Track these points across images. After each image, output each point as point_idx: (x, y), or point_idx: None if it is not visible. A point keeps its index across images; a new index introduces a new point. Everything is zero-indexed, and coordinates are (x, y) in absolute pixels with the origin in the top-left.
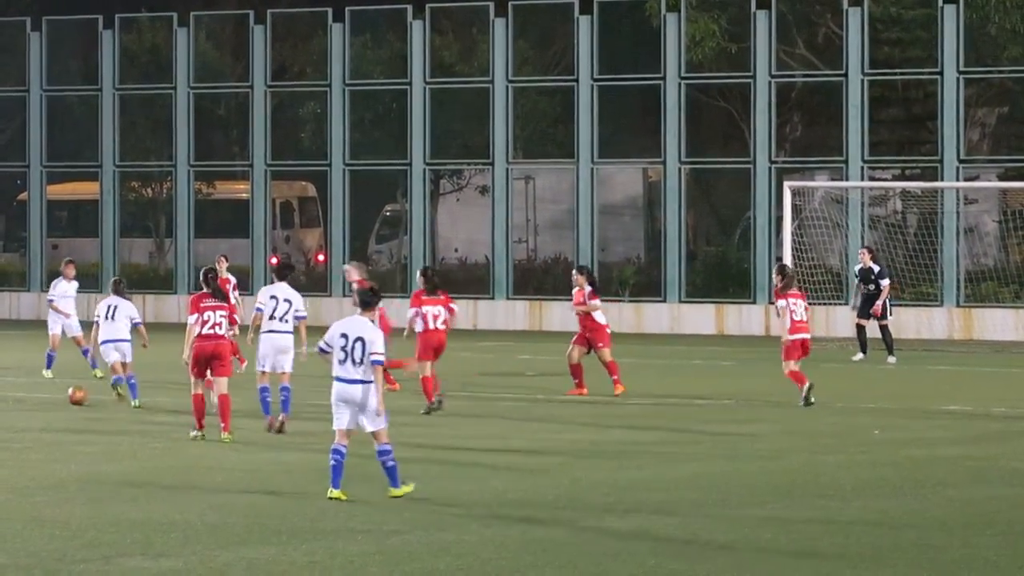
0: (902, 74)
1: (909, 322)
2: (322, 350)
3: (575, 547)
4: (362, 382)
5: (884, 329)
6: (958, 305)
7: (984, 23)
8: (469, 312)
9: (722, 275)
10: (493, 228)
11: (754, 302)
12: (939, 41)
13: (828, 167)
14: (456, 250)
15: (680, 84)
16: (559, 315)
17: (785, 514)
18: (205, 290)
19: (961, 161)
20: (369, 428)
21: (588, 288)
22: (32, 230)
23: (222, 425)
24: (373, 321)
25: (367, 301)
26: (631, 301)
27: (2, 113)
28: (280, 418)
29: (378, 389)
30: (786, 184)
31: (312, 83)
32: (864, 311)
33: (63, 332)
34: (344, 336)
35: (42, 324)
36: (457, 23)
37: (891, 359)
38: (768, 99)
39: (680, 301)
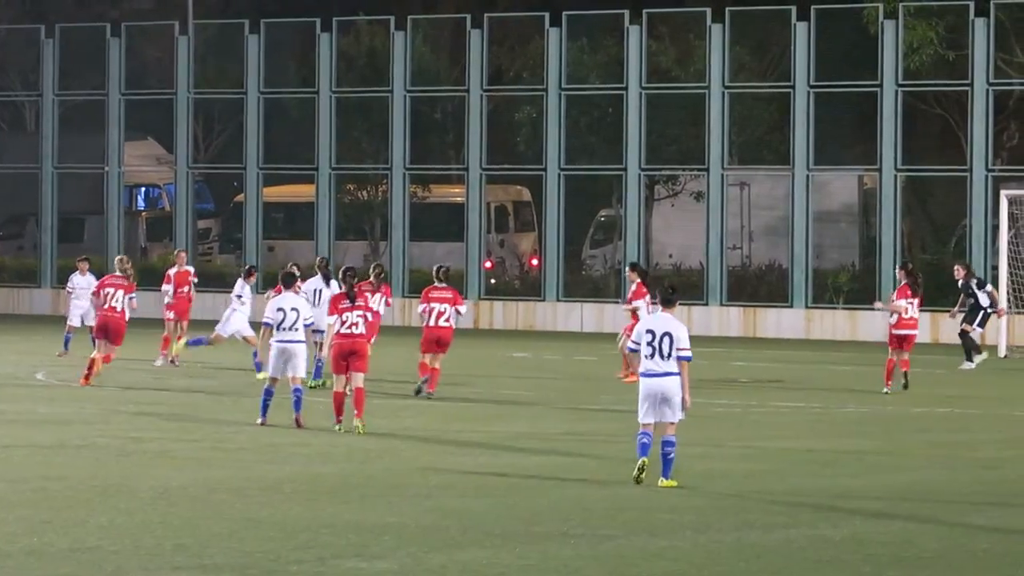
0: None
1: None
2: (632, 349)
3: (788, 554)
4: (670, 375)
5: (964, 335)
6: None
7: None
8: (683, 318)
9: (938, 283)
10: (708, 234)
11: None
12: None
13: None
14: (670, 256)
15: (897, 91)
16: (774, 321)
17: (1002, 524)
18: (342, 290)
19: None
20: (668, 419)
21: (634, 286)
22: (248, 232)
23: (355, 412)
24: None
25: (669, 299)
26: (845, 308)
27: (220, 115)
28: (295, 417)
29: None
30: (1003, 193)
31: (528, 87)
32: (969, 319)
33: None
34: (651, 332)
35: (257, 326)
36: (673, 28)
37: (967, 364)
38: (985, 107)
39: None
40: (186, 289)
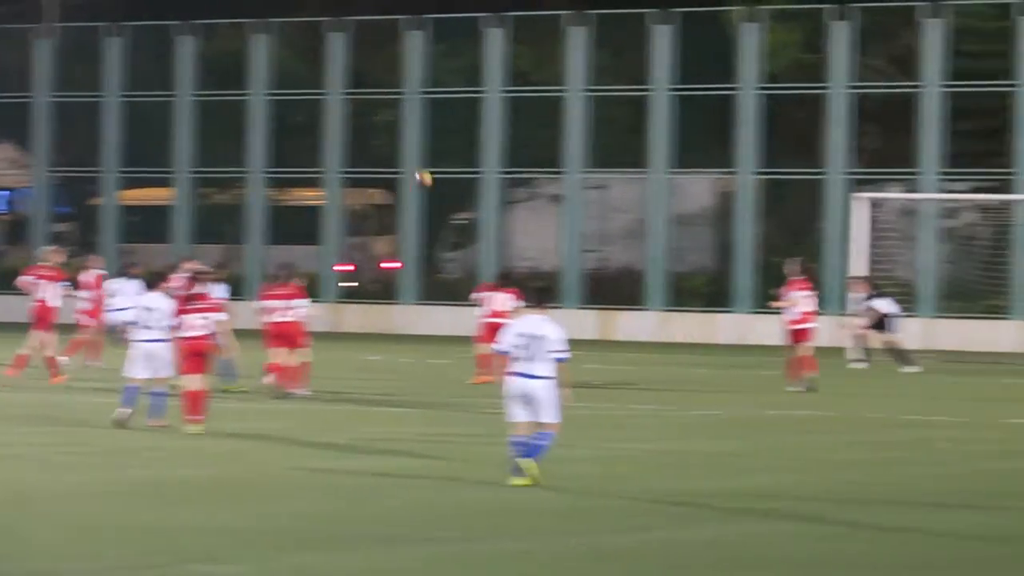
0: (979, 86)
1: (980, 335)
2: (500, 351)
3: (641, 557)
4: (539, 377)
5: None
6: None
7: None
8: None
9: None
10: (564, 237)
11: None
12: (1016, 53)
13: (902, 179)
14: (527, 259)
15: (756, 94)
16: (630, 324)
17: (852, 525)
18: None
19: None
20: (545, 420)
21: None
22: (105, 235)
23: (194, 414)
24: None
25: (539, 300)
26: (700, 311)
27: (79, 119)
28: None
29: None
30: (858, 195)
31: (388, 91)
32: (879, 327)
33: None
34: (522, 334)
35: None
36: (534, 32)
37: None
38: (844, 110)
39: (749, 311)
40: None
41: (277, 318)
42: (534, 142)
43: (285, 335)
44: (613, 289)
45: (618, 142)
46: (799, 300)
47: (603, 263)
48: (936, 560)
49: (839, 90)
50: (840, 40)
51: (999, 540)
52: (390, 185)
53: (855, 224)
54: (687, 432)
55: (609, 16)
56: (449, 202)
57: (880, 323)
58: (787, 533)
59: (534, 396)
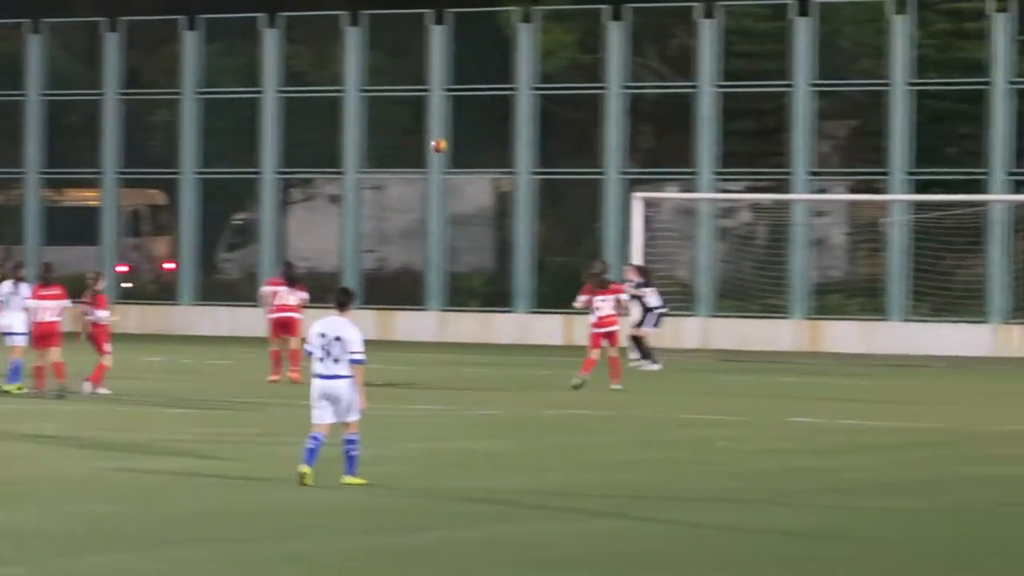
0: (754, 86)
1: (756, 334)
2: (308, 352)
3: (422, 557)
4: (340, 377)
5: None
6: (805, 317)
7: (835, 36)
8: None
9: (571, 285)
10: (343, 237)
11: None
12: (791, 54)
13: (678, 178)
14: (306, 259)
15: (532, 94)
16: (409, 324)
17: (632, 525)
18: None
19: (811, 173)
20: (347, 419)
21: None
22: None
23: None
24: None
25: (343, 302)
26: (480, 311)
27: None
28: None
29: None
30: (636, 195)
31: (164, 91)
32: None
33: None
34: (323, 335)
35: None
36: (310, 32)
37: (651, 365)
38: (620, 110)
39: (528, 311)
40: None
41: (47, 318)
42: (312, 142)
43: (48, 335)
44: (392, 289)
45: (396, 142)
46: (600, 304)
47: (382, 263)
48: (727, 556)
49: (615, 90)
50: (615, 40)
51: (784, 535)
52: (167, 185)
53: (633, 224)
54: (468, 432)
55: (384, 16)
56: (227, 202)
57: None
58: (565, 532)
59: (337, 396)
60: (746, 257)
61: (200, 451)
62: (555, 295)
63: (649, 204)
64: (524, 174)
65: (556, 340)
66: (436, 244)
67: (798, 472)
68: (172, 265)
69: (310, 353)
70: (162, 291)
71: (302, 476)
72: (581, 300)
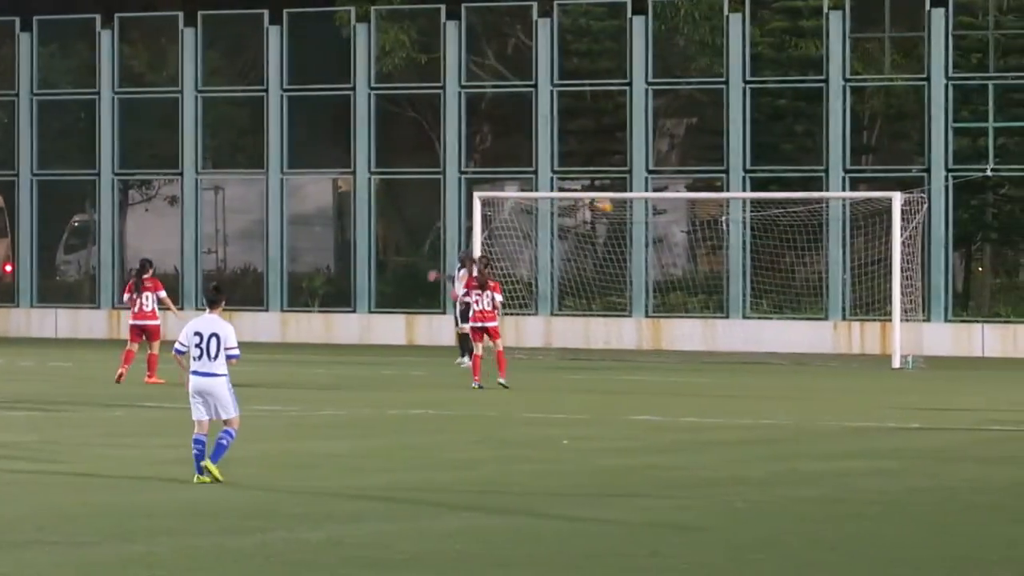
0: (591, 85)
1: (599, 332)
2: (178, 351)
3: (265, 557)
4: (217, 375)
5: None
6: (647, 315)
7: (673, 35)
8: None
9: (412, 285)
10: (183, 238)
11: (444, 312)
12: (628, 52)
13: (518, 177)
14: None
15: (370, 94)
16: (249, 325)
17: (477, 524)
18: None
19: (650, 172)
20: (224, 416)
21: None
22: None
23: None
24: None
25: (214, 300)
26: (321, 311)
27: None
28: None
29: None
30: (476, 194)
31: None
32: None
33: None
34: (199, 333)
35: None
36: (146, 32)
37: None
38: (458, 109)
39: (370, 311)
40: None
41: None
42: (150, 143)
43: None
44: (232, 290)
45: (234, 143)
46: (478, 297)
47: (222, 264)
48: (567, 553)
49: (453, 90)
50: (452, 40)
51: (624, 532)
52: (4, 187)
53: (474, 223)
54: (312, 432)
55: (220, 16)
56: (66, 204)
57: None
58: (412, 533)
59: (213, 392)
60: (587, 256)
61: (42, 454)
62: (397, 295)
63: (489, 203)
64: (363, 174)
65: (399, 340)
66: (276, 245)
67: (640, 470)
68: (7, 267)
69: (182, 352)
70: (1, 293)
71: (205, 473)
72: (459, 293)
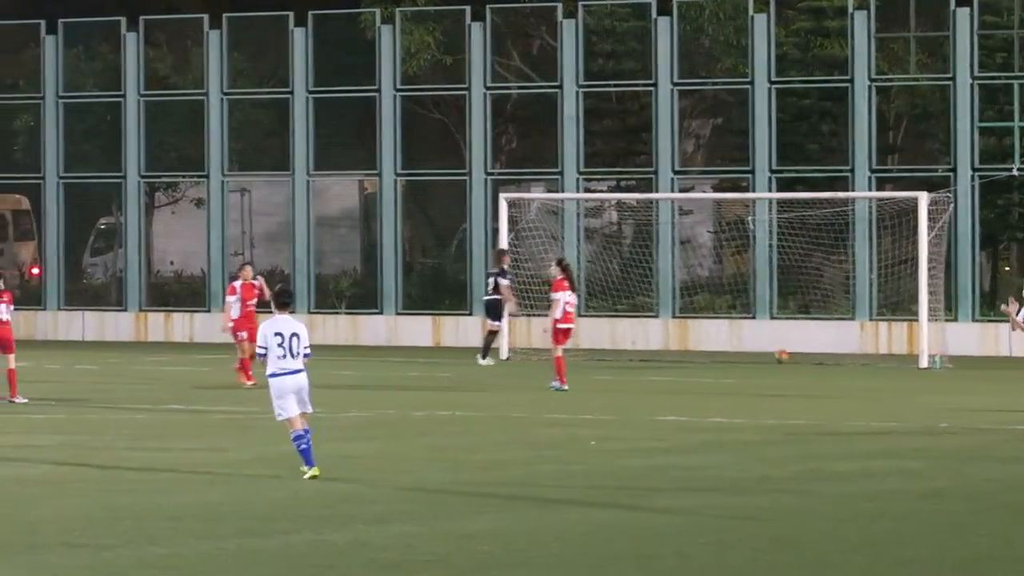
0: (617, 86)
1: (625, 332)
2: (260, 354)
3: (290, 559)
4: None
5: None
6: (674, 316)
7: (698, 35)
8: (186, 325)
9: (439, 287)
10: (209, 241)
11: (471, 313)
12: (653, 53)
13: (544, 179)
14: (172, 263)
15: (395, 96)
16: None
17: (502, 525)
18: None
19: (676, 172)
20: (305, 410)
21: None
22: None
23: None
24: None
25: (286, 302)
26: (348, 313)
27: None
28: None
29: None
30: (501, 196)
31: (25, 96)
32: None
33: None
34: (280, 334)
35: None
36: (171, 35)
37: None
38: (483, 111)
39: (397, 313)
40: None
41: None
42: (176, 146)
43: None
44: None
45: (260, 145)
46: (565, 301)
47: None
48: (589, 555)
49: (478, 91)
50: (477, 41)
51: (647, 534)
52: (31, 190)
53: (500, 224)
54: (339, 434)
55: (245, 19)
56: (92, 207)
57: (496, 308)
58: (437, 534)
59: (302, 387)
60: (613, 256)
61: (66, 456)
62: (423, 297)
63: (515, 205)
64: (389, 176)
65: (425, 342)
66: (303, 246)
67: (665, 470)
68: (36, 270)
69: (263, 354)
70: (28, 296)
71: (313, 477)
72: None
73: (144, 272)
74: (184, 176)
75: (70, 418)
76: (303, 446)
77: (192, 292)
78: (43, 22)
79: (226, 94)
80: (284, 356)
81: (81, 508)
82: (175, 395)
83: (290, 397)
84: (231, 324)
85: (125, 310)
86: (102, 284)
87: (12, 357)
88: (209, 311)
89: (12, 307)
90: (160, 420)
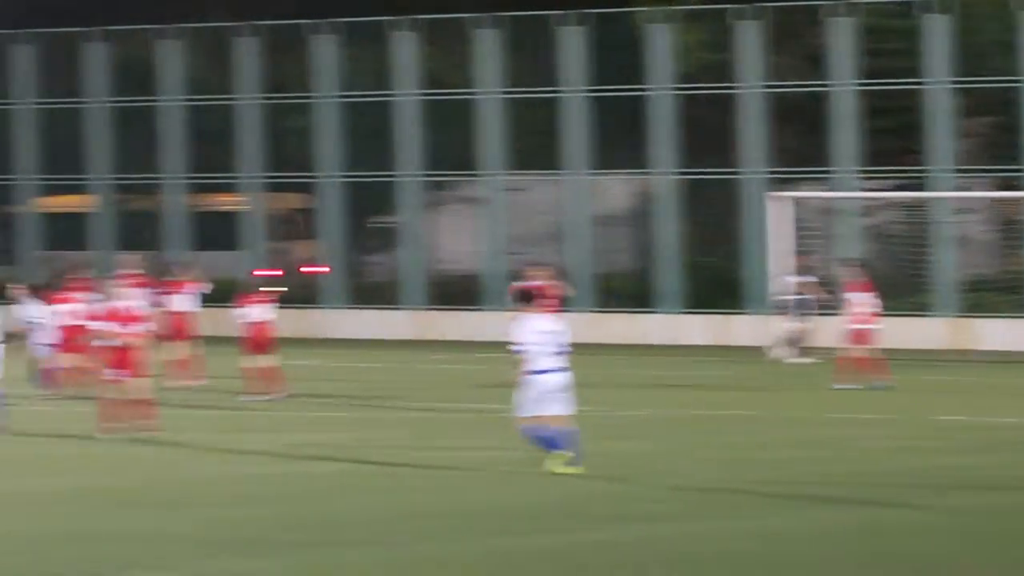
0: (890, 84)
1: (905, 332)
2: (519, 351)
3: (572, 558)
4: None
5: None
6: (954, 315)
7: (971, 33)
8: (463, 323)
9: (715, 285)
10: (485, 240)
11: (748, 312)
12: (926, 51)
13: (818, 177)
14: (447, 261)
15: (669, 95)
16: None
17: (782, 524)
18: None
19: (950, 171)
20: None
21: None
22: (23, 243)
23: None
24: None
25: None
26: (625, 311)
27: None
28: None
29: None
30: (773, 194)
31: (300, 95)
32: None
33: None
34: (546, 333)
35: None
36: (446, 34)
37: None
38: (757, 110)
39: (675, 311)
40: None
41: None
42: (450, 145)
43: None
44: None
45: (534, 144)
46: (859, 301)
47: (524, 266)
48: (863, 554)
49: (751, 89)
50: (750, 39)
51: (923, 535)
52: (308, 189)
53: (772, 223)
54: (616, 432)
55: (519, 18)
56: (367, 205)
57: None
58: (717, 530)
59: (569, 386)
60: (890, 255)
61: (357, 454)
62: (700, 295)
63: (789, 203)
64: (663, 175)
65: (704, 340)
66: (579, 245)
67: (948, 470)
68: (317, 269)
69: (523, 352)
70: (307, 295)
71: (565, 461)
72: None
73: (422, 270)
74: (461, 175)
75: (355, 416)
76: (548, 434)
77: (468, 290)
78: (318, 22)
79: (500, 93)
80: (552, 355)
81: (367, 505)
82: (456, 393)
83: (553, 395)
84: None
85: (403, 308)
86: (381, 283)
87: (269, 357)
88: (484, 310)
89: (272, 307)
90: (445, 418)
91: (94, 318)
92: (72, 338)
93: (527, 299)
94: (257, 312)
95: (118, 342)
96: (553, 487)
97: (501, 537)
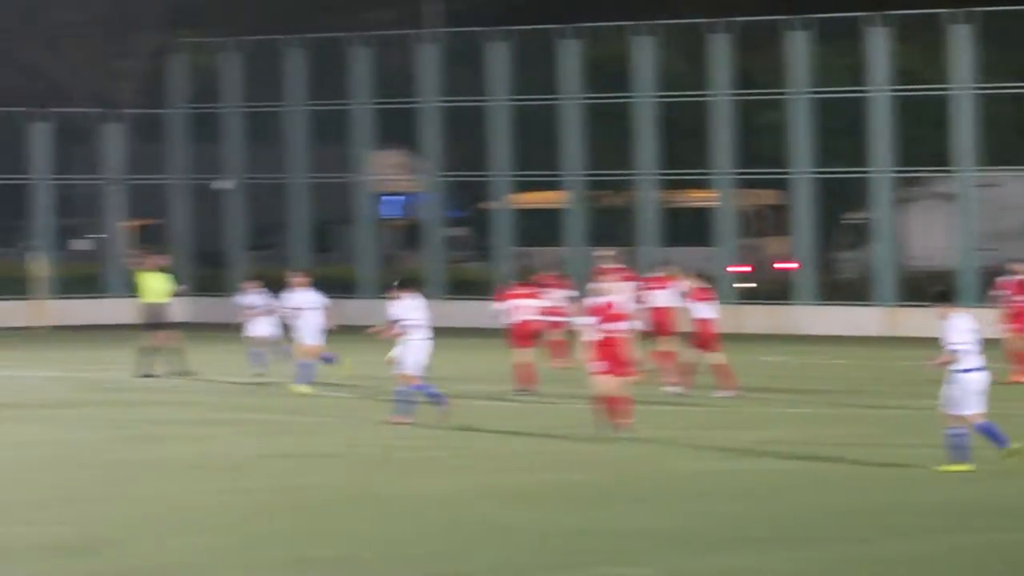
0: None
1: None
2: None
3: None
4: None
5: None
6: None
7: None
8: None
9: None
10: (959, 236)
11: None
12: None
13: None
14: (920, 258)
15: None
16: None
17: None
18: None
19: None
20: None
21: None
22: (497, 239)
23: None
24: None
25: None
26: None
27: (466, 123)
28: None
29: None
30: None
31: (773, 91)
32: None
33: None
34: (973, 330)
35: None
36: (915, 30)
37: None
38: None
39: None
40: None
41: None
42: (922, 141)
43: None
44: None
45: (1007, 140)
46: None
47: (999, 262)
48: None
49: None
50: None
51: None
52: (780, 185)
53: None
54: None
55: (994, 13)
56: (840, 202)
57: None
58: None
59: (987, 387)
60: None
61: (823, 452)
62: None
63: None
64: None
65: None
66: None
67: None
68: (789, 265)
69: (956, 350)
70: (779, 291)
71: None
72: None
73: (893, 267)
74: (932, 171)
75: (827, 413)
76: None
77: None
78: (791, 18)
79: (974, 89)
80: (973, 353)
81: (836, 503)
82: (924, 390)
83: (976, 395)
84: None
85: (874, 305)
86: (854, 279)
87: (716, 355)
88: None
89: (712, 303)
90: (913, 416)
91: (553, 313)
92: (531, 334)
93: (948, 298)
94: (703, 309)
95: (601, 337)
96: (1007, 485)
97: (962, 535)
